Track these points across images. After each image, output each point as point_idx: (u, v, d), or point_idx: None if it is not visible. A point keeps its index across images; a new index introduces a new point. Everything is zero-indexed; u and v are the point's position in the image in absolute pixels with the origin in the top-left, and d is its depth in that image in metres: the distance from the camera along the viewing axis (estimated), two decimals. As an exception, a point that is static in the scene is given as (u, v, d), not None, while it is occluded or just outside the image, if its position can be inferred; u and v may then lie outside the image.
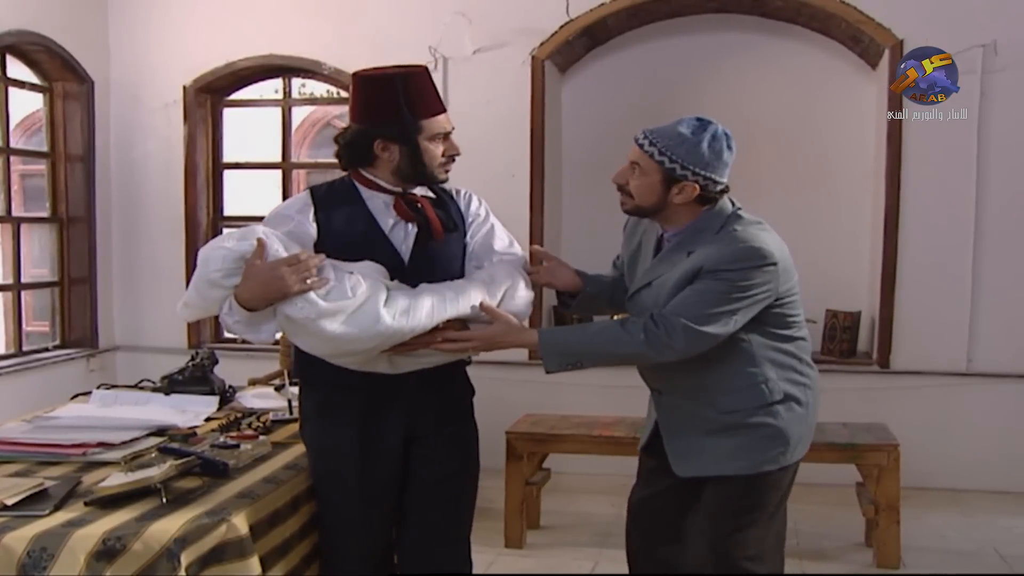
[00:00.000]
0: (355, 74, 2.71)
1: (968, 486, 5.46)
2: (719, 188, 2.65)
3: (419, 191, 2.72)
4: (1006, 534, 4.78)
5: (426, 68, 2.72)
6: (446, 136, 2.68)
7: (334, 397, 2.67)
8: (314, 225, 2.63)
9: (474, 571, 2.87)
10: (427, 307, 2.51)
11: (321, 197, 2.68)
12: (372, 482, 2.66)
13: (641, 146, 2.64)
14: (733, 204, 2.71)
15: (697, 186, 2.61)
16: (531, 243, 5.77)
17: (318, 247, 2.57)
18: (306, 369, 2.69)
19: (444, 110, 2.70)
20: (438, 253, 2.69)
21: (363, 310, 2.45)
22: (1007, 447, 5.46)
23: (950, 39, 5.23)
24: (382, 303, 2.46)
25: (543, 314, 5.93)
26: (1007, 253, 5.46)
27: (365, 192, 2.69)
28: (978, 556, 4.49)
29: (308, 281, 2.39)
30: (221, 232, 6.53)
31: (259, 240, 2.40)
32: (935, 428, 5.48)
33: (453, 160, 2.72)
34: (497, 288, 2.65)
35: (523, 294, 2.70)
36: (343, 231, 2.63)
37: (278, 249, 2.44)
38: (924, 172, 5.49)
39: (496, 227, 2.82)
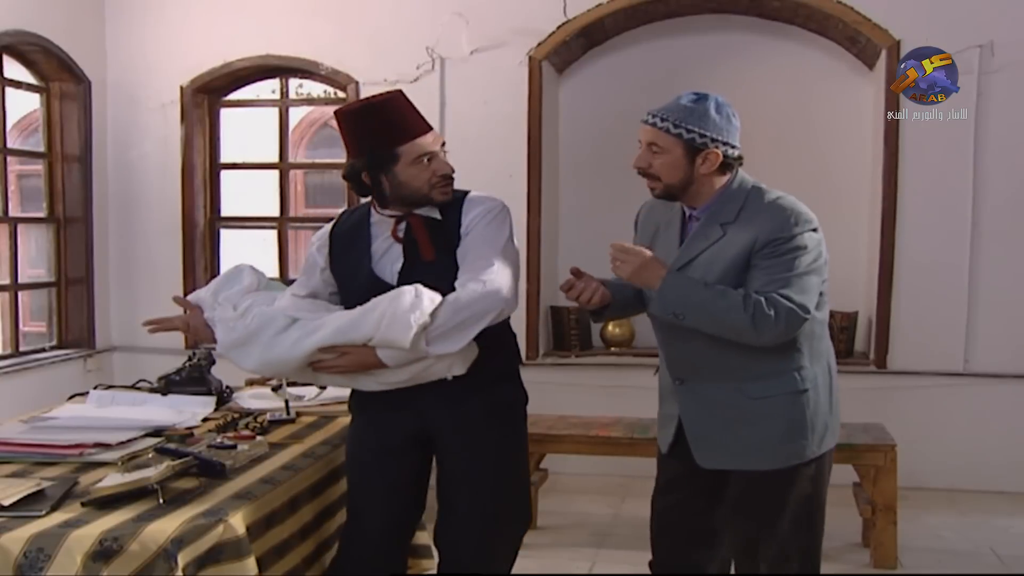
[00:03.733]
0: (335, 112, 2.86)
1: (965, 486, 5.46)
2: (737, 154, 2.67)
3: (425, 211, 2.74)
4: (1003, 534, 4.79)
5: (401, 92, 2.75)
6: (431, 157, 2.69)
7: (359, 397, 2.85)
8: (321, 256, 2.88)
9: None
10: (318, 332, 2.63)
11: (340, 225, 2.88)
12: (385, 480, 2.78)
13: (654, 124, 2.65)
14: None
15: (719, 152, 2.62)
16: (528, 243, 5.80)
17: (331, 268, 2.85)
18: None
19: (426, 130, 2.71)
20: (427, 274, 2.66)
21: (257, 337, 2.70)
22: (1004, 447, 5.47)
23: (947, 39, 5.24)
24: (272, 331, 2.68)
25: (540, 314, 5.93)
26: (1004, 253, 5.46)
27: (375, 216, 2.79)
28: (975, 556, 4.50)
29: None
30: (219, 233, 6.54)
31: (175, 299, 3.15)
32: (932, 428, 5.48)
33: (448, 179, 2.73)
34: (375, 315, 2.57)
35: (396, 323, 2.54)
36: (344, 260, 2.82)
37: (201, 295, 3.14)
38: (921, 172, 5.50)
39: (484, 233, 2.72)
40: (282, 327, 2.67)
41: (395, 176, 2.67)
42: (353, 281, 2.77)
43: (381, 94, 2.78)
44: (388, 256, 2.73)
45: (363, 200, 2.89)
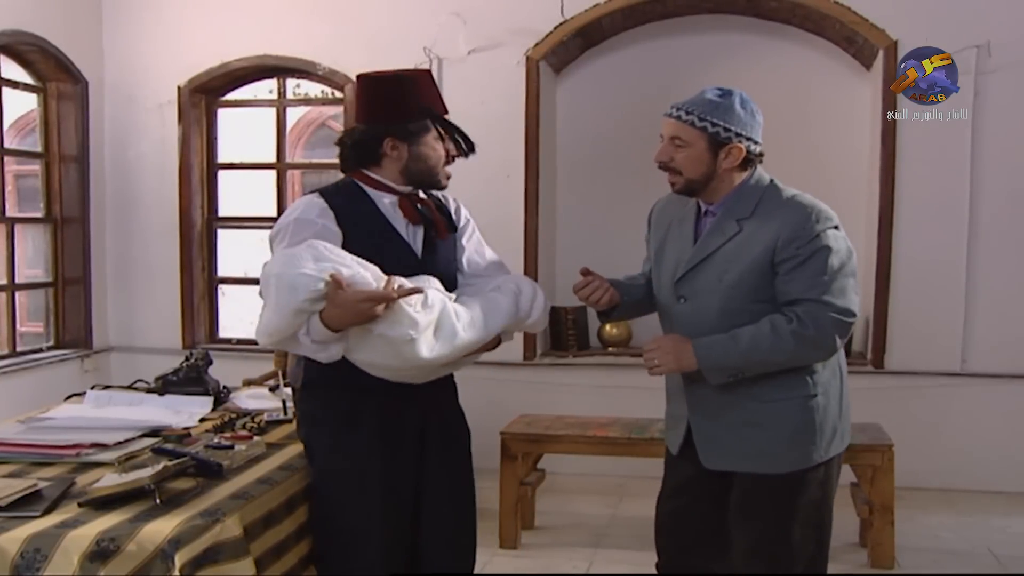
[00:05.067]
0: (360, 76, 2.75)
1: (962, 486, 5.47)
2: (759, 150, 2.68)
3: (421, 194, 2.78)
4: (1000, 534, 4.79)
5: (429, 71, 2.81)
6: (449, 137, 2.74)
7: (353, 400, 2.65)
8: (339, 229, 2.62)
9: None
10: (483, 318, 2.59)
11: (335, 201, 2.67)
12: (392, 482, 2.68)
13: (678, 118, 2.64)
14: None
15: (742, 147, 2.63)
16: (525, 242, 5.80)
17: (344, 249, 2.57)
18: (321, 372, 2.60)
19: (447, 112, 2.76)
20: (442, 254, 2.76)
21: (442, 325, 2.50)
22: (1001, 447, 5.47)
23: (944, 40, 5.24)
24: (454, 316, 2.52)
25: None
26: (1001, 253, 5.47)
27: (372, 193, 2.72)
28: (972, 556, 4.50)
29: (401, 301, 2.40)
30: (216, 233, 6.54)
31: (334, 276, 2.34)
32: (929, 428, 5.49)
33: (453, 160, 2.77)
34: (525, 299, 2.74)
35: (541, 303, 2.79)
36: (363, 233, 2.65)
37: (360, 272, 2.42)
38: (918, 172, 5.50)
39: (480, 236, 2.93)
40: (455, 310, 2.57)
41: (417, 147, 2.68)
42: (378, 256, 2.59)
43: (409, 69, 2.80)
44: (407, 234, 2.72)
45: (344, 174, 2.79)
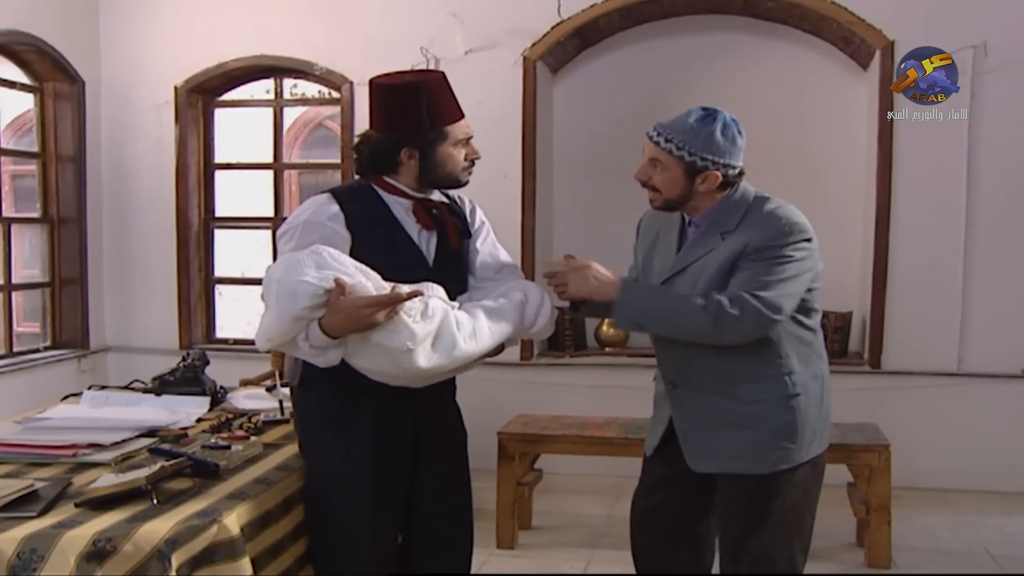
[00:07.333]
0: (373, 82, 2.72)
1: (959, 486, 5.47)
2: (737, 172, 2.69)
3: (435, 196, 2.76)
4: (997, 534, 4.80)
5: (444, 74, 2.76)
6: (467, 141, 2.74)
7: (349, 400, 2.64)
8: (348, 233, 2.60)
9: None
10: (486, 328, 2.58)
11: (348, 203, 2.65)
12: (386, 482, 2.67)
13: (657, 144, 2.66)
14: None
15: (719, 174, 2.64)
16: (523, 242, 5.80)
17: (351, 253, 2.54)
18: (318, 370, 2.56)
19: (463, 115, 2.74)
20: (455, 259, 2.75)
21: (442, 335, 2.48)
22: (998, 447, 5.48)
23: (941, 40, 5.24)
24: (455, 326, 2.51)
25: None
26: (998, 253, 5.47)
27: (387, 197, 2.70)
28: (969, 556, 4.51)
29: (399, 309, 2.38)
30: (213, 233, 6.53)
31: (337, 281, 2.34)
32: (926, 428, 5.49)
33: (473, 164, 2.77)
34: (531, 307, 2.72)
35: (547, 311, 2.76)
36: (373, 237, 2.63)
37: (361, 281, 2.40)
38: (915, 172, 5.51)
39: (495, 238, 2.89)
40: (457, 320, 2.55)
41: (435, 154, 2.66)
42: (388, 261, 2.59)
43: (422, 71, 2.78)
44: (419, 239, 2.71)
45: (357, 178, 2.78)
